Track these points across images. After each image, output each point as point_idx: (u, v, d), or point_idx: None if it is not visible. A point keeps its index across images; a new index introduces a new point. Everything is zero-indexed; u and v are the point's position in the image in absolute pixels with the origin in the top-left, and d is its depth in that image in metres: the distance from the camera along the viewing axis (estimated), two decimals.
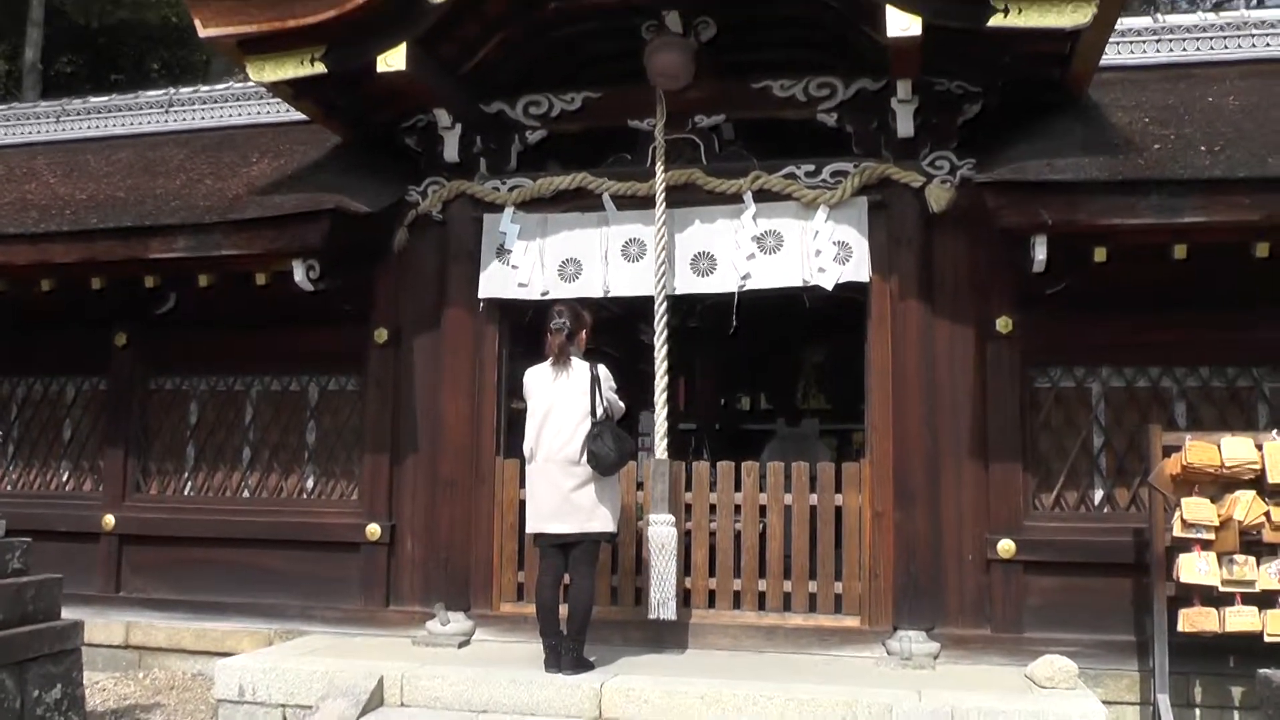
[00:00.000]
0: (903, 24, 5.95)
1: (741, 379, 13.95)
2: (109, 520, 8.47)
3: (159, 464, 8.61)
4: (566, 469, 6.36)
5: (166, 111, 10.30)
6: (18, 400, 9.13)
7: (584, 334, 6.69)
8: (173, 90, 10.58)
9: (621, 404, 6.69)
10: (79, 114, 10.71)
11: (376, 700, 6.16)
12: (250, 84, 8.97)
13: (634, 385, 11.24)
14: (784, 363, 13.38)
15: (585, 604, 6.37)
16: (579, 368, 6.50)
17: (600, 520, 6.39)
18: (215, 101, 10.18)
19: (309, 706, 6.18)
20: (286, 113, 8.80)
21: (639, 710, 5.89)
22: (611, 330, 9.20)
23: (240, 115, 9.97)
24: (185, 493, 8.53)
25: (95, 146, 10.22)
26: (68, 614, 6.23)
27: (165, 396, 8.66)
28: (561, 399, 6.46)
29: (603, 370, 6.54)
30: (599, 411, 6.39)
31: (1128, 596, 6.58)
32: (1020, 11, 5.85)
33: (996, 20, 5.88)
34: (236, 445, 8.43)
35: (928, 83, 6.81)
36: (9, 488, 8.95)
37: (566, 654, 6.26)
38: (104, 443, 8.71)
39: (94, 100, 10.84)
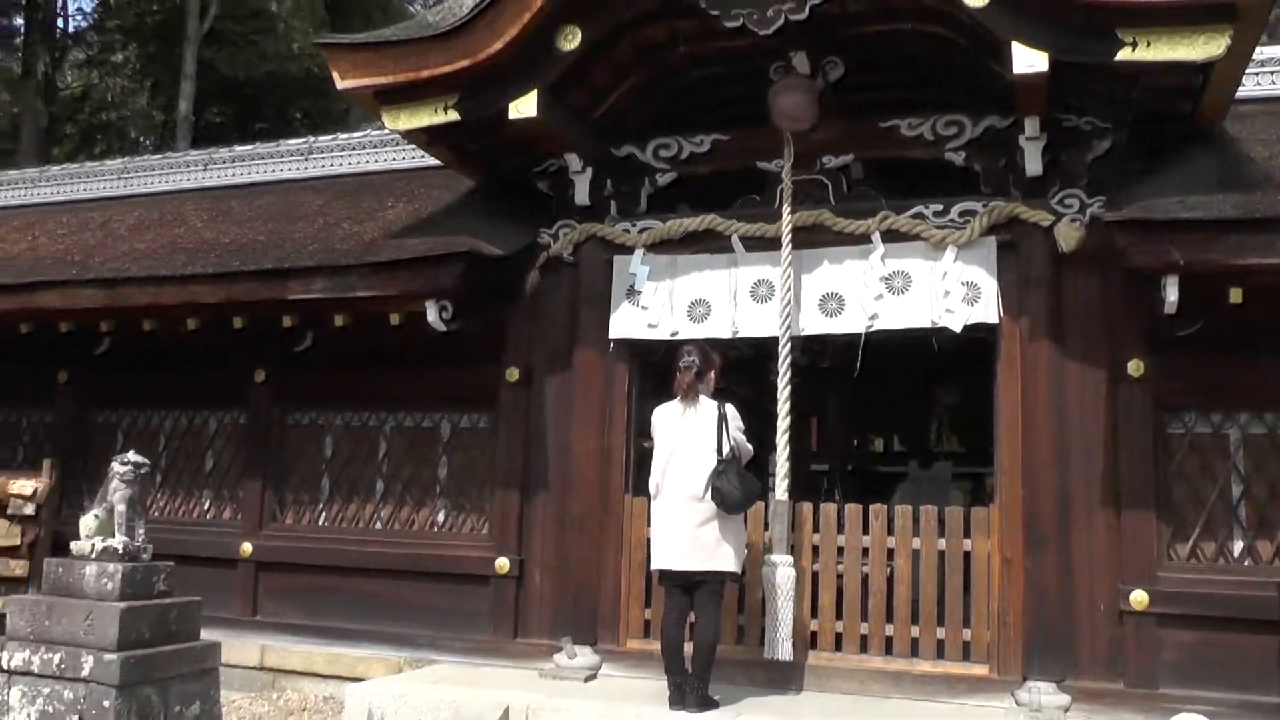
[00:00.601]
0: (1029, 60, 5.93)
1: (874, 420, 13.82)
2: (247, 548, 8.77)
3: (295, 495, 8.89)
4: (692, 506, 6.39)
5: (306, 159, 10.72)
6: (165, 432, 9.53)
7: (713, 373, 6.72)
8: (312, 139, 11.01)
9: (749, 446, 6.68)
10: (225, 162, 11.21)
11: None
12: (386, 132, 9.28)
13: (765, 426, 11.30)
14: (917, 403, 13.21)
15: (710, 643, 6.38)
16: (706, 406, 6.55)
17: (724, 559, 6.38)
18: (353, 149, 10.56)
19: None
20: (421, 158, 9.12)
21: None
22: (741, 371, 9.24)
23: (377, 162, 10.33)
24: (320, 523, 8.79)
25: (240, 193, 10.69)
26: (207, 636, 6.45)
27: (301, 431, 8.95)
28: (688, 436, 6.51)
29: (730, 409, 6.57)
30: (725, 449, 6.41)
31: (1273, 654, 6.26)
32: (1149, 45, 5.77)
33: (1124, 54, 5.80)
34: (370, 479, 8.66)
35: (1056, 119, 6.75)
36: (155, 514, 9.28)
37: (691, 692, 6.28)
38: (243, 474, 9.03)
39: (239, 149, 11.34)
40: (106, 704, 5.71)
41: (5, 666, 6.04)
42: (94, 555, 6.18)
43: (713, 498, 6.32)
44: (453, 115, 7.05)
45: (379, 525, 8.57)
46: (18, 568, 8.88)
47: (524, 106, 6.89)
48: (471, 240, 7.41)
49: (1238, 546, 6.63)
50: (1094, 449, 6.73)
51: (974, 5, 6.02)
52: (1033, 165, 6.85)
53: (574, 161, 7.72)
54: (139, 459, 6.55)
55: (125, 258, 8.93)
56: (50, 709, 5.87)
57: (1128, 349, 6.71)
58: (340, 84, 7.22)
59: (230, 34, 21.42)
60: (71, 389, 9.91)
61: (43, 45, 22.45)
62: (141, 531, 6.41)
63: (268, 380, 8.95)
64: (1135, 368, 6.68)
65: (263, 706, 7.83)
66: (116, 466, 6.45)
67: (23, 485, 8.96)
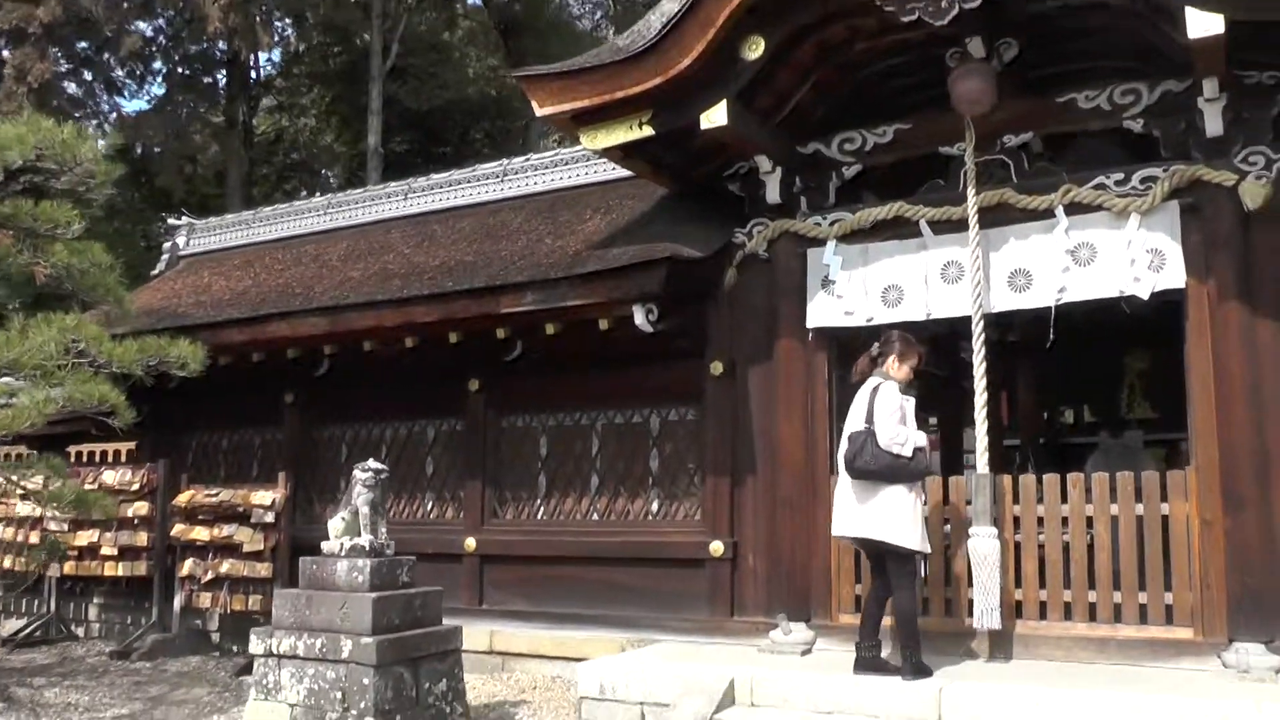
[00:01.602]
0: (1204, 24, 6.03)
1: (1063, 391, 13.83)
2: (470, 543, 9.43)
3: (513, 492, 9.53)
4: (846, 477, 6.89)
5: (501, 180, 11.31)
6: (385, 442, 10.30)
7: (893, 359, 6.97)
8: (506, 161, 11.60)
9: (902, 429, 6.80)
10: (423, 190, 11.91)
11: (728, 700, 6.68)
12: (577, 149, 9.98)
13: (957, 403, 11.50)
14: (1106, 372, 13.17)
15: (904, 613, 6.74)
16: (870, 386, 6.92)
17: (888, 531, 6.71)
18: (545, 167, 11.10)
19: (665, 704, 6.76)
20: (611, 171, 9.65)
21: (978, 713, 6.13)
22: (934, 349, 9.47)
23: (568, 178, 10.82)
24: (538, 517, 9.40)
25: (439, 217, 11.39)
26: None
27: (516, 433, 9.58)
28: (854, 414, 6.92)
29: (885, 387, 6.87)
30: (864, 425, 6.79)
31: None
32: None
33: None
34: (584, 474, 9.23)
35: (1236, 77, 6.82)
36: None
37: (904, 661, 6.61)
38: (463, 476, 9.71)
39: (435, 177, 12.05)
40: (366, 681, 6.40)
41: (275, 651, 6.77)
42: (343, 553, 6.92)
43: (856, 466, 6.78)
44: (647, 130, 7.51)
45: (595, 516, 9.12)
46: (264, 569, 9.86)
47: (715, 116, 7.30)
48: (672, 245, 7.89)
49: None
50: None
51: None
52: (1213, 126, 6.96)
53: (764, 163, 8.14)
54: (379, 465, 7.26)
55: (343, 286, 9.70)
56: (316, 686, 6.59)
57: None
58: (540, 111, 7.77)
59: (412, 68, 22.44)
60: (297, 408, 10.82)
61: (241, 95, 23.91)
62: (384, 530, 7.13)
63: (482, 388, 9.61)
64: None
65: (495, 686, 8.43)
66: (358, 473, 7.15)
67: (263, 496, 9.95)
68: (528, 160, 11.48)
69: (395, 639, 6.57)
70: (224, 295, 10.94)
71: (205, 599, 10.12)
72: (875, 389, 6.86)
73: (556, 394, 9.33)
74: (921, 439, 6.85)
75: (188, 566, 10.17)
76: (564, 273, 8.16)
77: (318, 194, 22.76)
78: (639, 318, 7.98)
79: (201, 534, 10.14)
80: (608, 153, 7.99)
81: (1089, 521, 7.29)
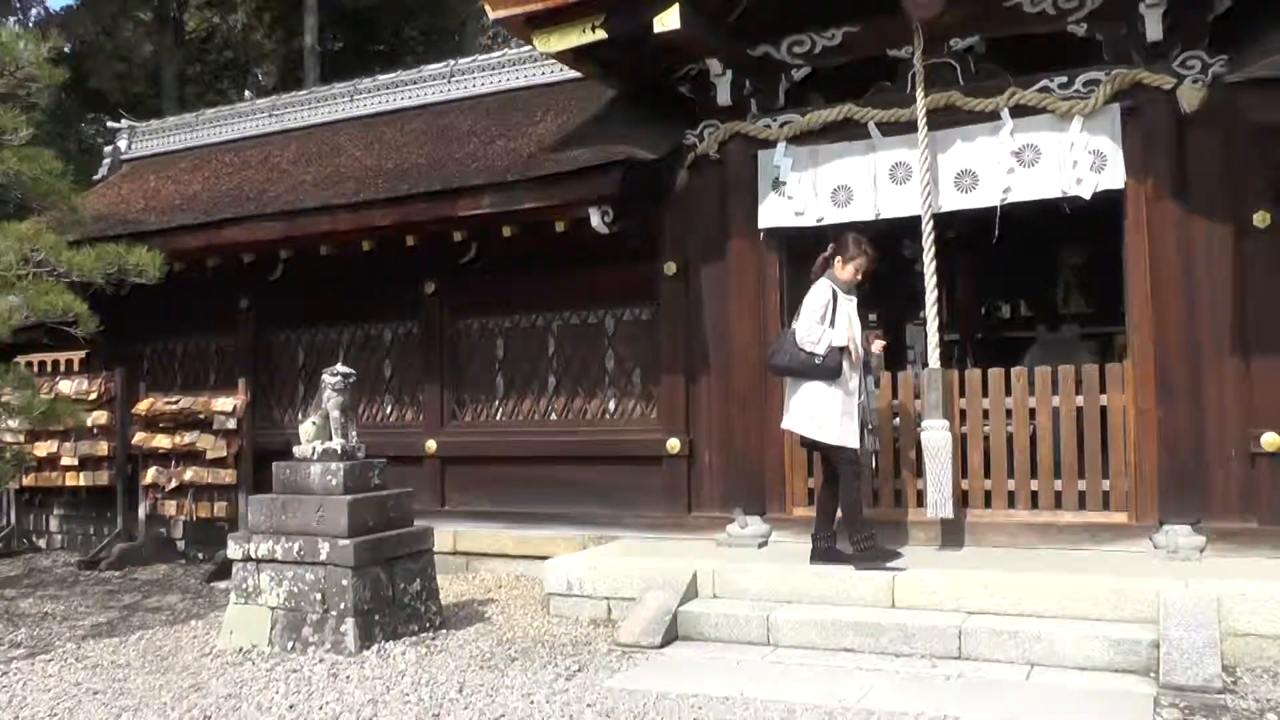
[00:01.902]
0: None
1: (1000, 287, 14.08)
2: (431, 445, 9.62)
3: (472, 394, 9.71)
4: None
5: (449, 81, 11.28)
6: (342, 346, 10.39)
7: (839, 260, 7.21)
8: (453, 62, 11.55)
9: (816, 328, 7.04)
10: (370, 91, 11.86)
11: (692, 592, 6.97)
12: (524, 49, 9.99)
13: (899, 299, 11.73)
14: (1042, 267, 13.38)
15: (845, 503, 7.09)
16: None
17: (810, 426, 7.11)
18: (494, 68, 11.08)
19: (630, 598, 7.04)
20: (560, 72, 9.69)
21: (928, 599, 6.50)
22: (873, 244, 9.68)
23: (517, 79, 10.81)
24: (497, 418, 9.60)
25: (388, 119, 11.36)
26: None
27: (473, 335, 9.72)
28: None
29: (817, 287, 7.16)
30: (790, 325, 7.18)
31: None
32: None
33: None
34: (541, 374, 9.42)
35: None
36: None
37: (854, 548, 6.94)
38: (421, 379, 9.86)
39: (381, 78, 11.97)
40: (345, 582, 6.60)
41: (253, 555, 6.93)
42: (315, 457, 7.06)
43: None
44: (600, 34, 7.56)
45: (554, 416, 9.32)
46: (228, 476, 9.96)
47: (667, 20, 7.36)
48: (627, 148, 8.00)
49: None
50: (1222, 301, 7.09)
51: None
52: (1153, 30, 7.16)
53: (714, 65, 8.25)
54: (346, 370, 7.38)
55: (298, 190, 9.71)
56: (296, 589, 6.77)
57: (1253, 202, 7.03)
58: (493, 14, 7.81)
59: None
60: (252, 313, 10.85)
61: None
62: (354, 433, 7.27)
63: (437, 291, 9.72)
64: (1261, 219, 7.00)
65: (462, 585, 8.66)
66: (327, 378, 7.27)
67: (224, 402, 10.00)
68: (475, 61, 11.45)
69: (371, 540, 6.76)
70: (175, 200, 10.87)
71: (170, 507, 10.21)
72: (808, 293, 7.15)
73: (512, 295, 9.44)
74: (840, 338, 7.03)
75: (151, 475, 10.25)
76: (520, 175, 8.25)
77: (247, 93, 22.47)
78: (595, 219, 8.11)
79: (163, 442, 10.21)
80: (560, 56, 8.03)
81: (1031, 413, 7.62)
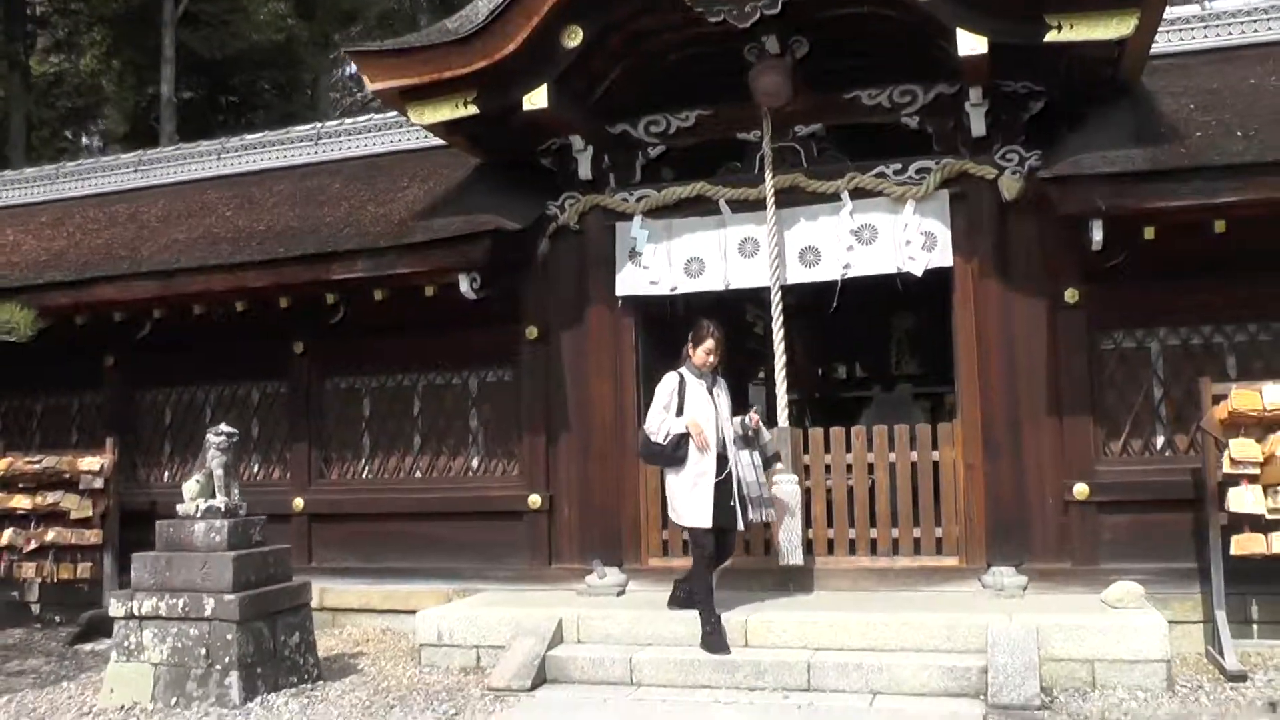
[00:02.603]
0: (972, 44, 6.99)
1: (837, 350, 14.85)
2: (299, 503, 9.84)
3: (339, 452, 9.96)
4: None
5: (316, 144, 11.63)
6: (210, 404, 10.54)
7: (689, 346, 7.50)
8: (320, 125, 11.92)
9: (657, 416, 7.38)
10: (237, 150, 12.12)
11: (558, 638, 7.39)
12: (390, 115, 10.38)
13: (741, 361, 12.34)
14: (875, 332, 14.13)
15: (694, 588, 7.30)
16: None
17: (671, 510, 7.47)
18: (360, 132, 11.47)
19: (499, 646, 7.41)
20: (426, 139, 10.06)
21: (779, 638, 7.06)
22: (719, 311, 10.26)
23: (383, 144, 11.23)
24: (364, 476, 9.87)
25: (256, 179, 11.62)
26: None
27: (341, 394, 10.00)
28: None
29: (663, 378, 7.51)
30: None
31: (1188, 528, 7.52)
32: (1072, 27, 6.83)
33: (1052, 36, 6.87)
34: (407, 433, 9.74)
35: (997, 86, 7.80)
36: None
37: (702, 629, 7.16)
38: (289, 437, 10.06)
39: (249, 137, 12.27)
40: (230, 637, 6.87)
41: (136, 613, 7.13)
42: (199, 514, 7.32)
43: None
44: (472, 109, 8.04)
45: (419, 474, 9.65)
46: (93, 536, 9.89)
47: (536, 99, 7.89)
48: (495, 218, 8.45)
49: (1160, 441, 7.89)
50: (1038, 368, 7.90)
51: None
52: (978, 127, 7.94)
53: (577, 142, 8.77)
54: (230, 429, 7.66)
55: (171, 249, 9.86)
56: (180, 644, 7.00)
57: (1064, 280, 7.87)
58: (370, 86, 8.21)
59: (205, 15, 21.98)
60: (119, 371, 10.88)
61: (20, 34, 22.82)
62: (236, 491, 7.53)
63: (306, 350, 9.97)
64: (1071, 295, 7.86)
65: (330, 640, 8.87)
66: (212, 437, 7.55)
67: (91, 462, 9.92)
68: (341, 125, 11.82)
69: (255, 595, 7.02)
70: (40, 255, 10.87)
71: (28, 569, 9.98)
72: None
73: (379, 356, 9.76)
74: (678, 426, 7.24)
75: (7, 536, 9.98)
76: (393, 241, 8.62)
77: (97, 140, 22.27)
78: (464, 285, 8.52)
79: (23, 502, 10.00)
80: (432, 127, 8.47)
81: (870, 468, 8.29)
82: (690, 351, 7.47)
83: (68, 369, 10.91)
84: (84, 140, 23.12)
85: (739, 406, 7.81)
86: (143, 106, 23.64)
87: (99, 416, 11.00)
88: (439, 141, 9.35)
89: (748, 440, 7.42)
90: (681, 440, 7.23)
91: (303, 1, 24.04)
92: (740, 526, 7.28)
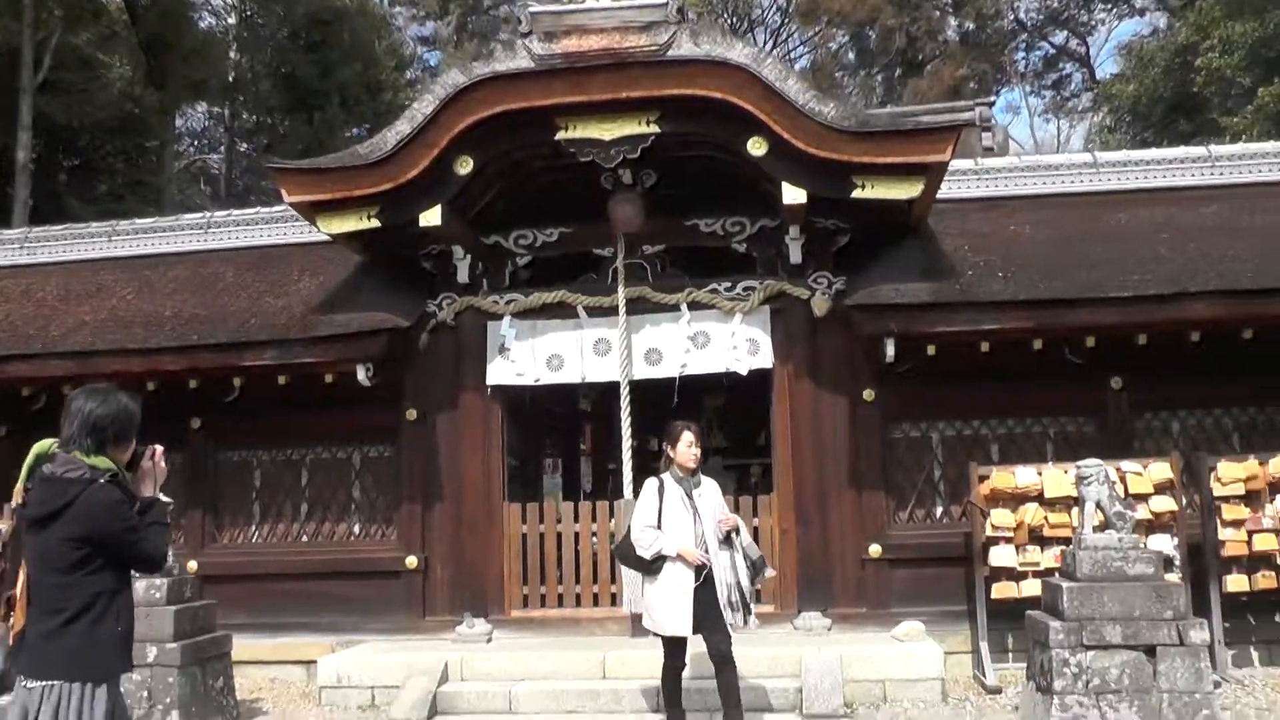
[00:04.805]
0: (794, 195, 8.80)
1: (651, 425, 16.32)
2: (193, 565, 10.67)
3: (231, 519, 11.05)
4: None
5: (206, 232, 12.55)
6: None
7: (670, 449, 7.29)
8: (209, 214, 12.99)
9: (648, 535, 7.05)
10: (128, 234, 12.87)
11: (445, 677, 8.72)
12: (276, 209, 11.71)
13: (574, 440, 13.82)
14: (688, 408, 15.60)
15: (662, 686, 7.47)
16: None
17: (648, 619, 7.26)
18: (248, 223, 12.50)
19: (393, 685, 8.65)
20: (310, 233, 11.09)
21: (630, 670, 8.54)
22: (557, 396, 11.94)
23: (271, 236, 12.25)
24: (254, 541, 10.98)
25: (149, 262, 12.40)
26: None
27: (233, 466, 11.10)
28: None
29: (642, 491, 7.41)
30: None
31: (960, 579, 9.36)
32: (873, 188, 8.71)
33: (857, 193, 8.74)
34: (295, 501, 10.92)
35: (811, 222, 9.54)
36: None
37: None
38: (185, 505, 10.90)
39: (140, 222, 13.20)
40: (170, 680, 7.98)
41: None
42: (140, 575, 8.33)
43: None
44: (375, 223, 9.43)
45: (305, 539, 10.83)
46: None
47: (430, 217, 9.31)
48: (389, 316, 9.85)
49: (939, 511, 9.83)
50: (841, 451, 9.71)
51: (756, 154, 8.82)
52: (795, 255, 9.75)
53: (458, 250, 10.21)
54: (167, 498, 8.67)
55: (82, 329, 10.80)
56: (122, 688, 8.00)
57: (863, 382, 9.74)
58: (287, 198, 9.57)
59: (63, 82, 22.43)
60: (6, 443, 11.29)
61: None
62: (171, 553, 8.57)
63: (202, 426, 11.01)
64: (868, 395, 9.73)
65: None
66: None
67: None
68: (230, 215, 12.85)
69: (191, 644, 8.15)
70: None
71: None
72: None
73: (270, 431, 10.90)
74: (670, 549, 6.94)
75: None
76: (300, 334, 9.88)
77: None
78: (361, 375, 9.82)
79: None
80: (338, 237, 9.81)
81: None
82: (671, 453, 7.23)
83: None
84: None
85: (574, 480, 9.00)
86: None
87: None
88: (322, 237, 10.39)
89: (728, 541, 7.13)
90: (664, 561, 6.99)
91: (154, 70, 24.74)
92: (729, 630, 7.02)
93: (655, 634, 7.19)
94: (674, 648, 7.15)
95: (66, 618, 4.04)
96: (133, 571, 4.41)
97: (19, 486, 4.28)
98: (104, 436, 4.23)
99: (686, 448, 7.17)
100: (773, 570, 7.69)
